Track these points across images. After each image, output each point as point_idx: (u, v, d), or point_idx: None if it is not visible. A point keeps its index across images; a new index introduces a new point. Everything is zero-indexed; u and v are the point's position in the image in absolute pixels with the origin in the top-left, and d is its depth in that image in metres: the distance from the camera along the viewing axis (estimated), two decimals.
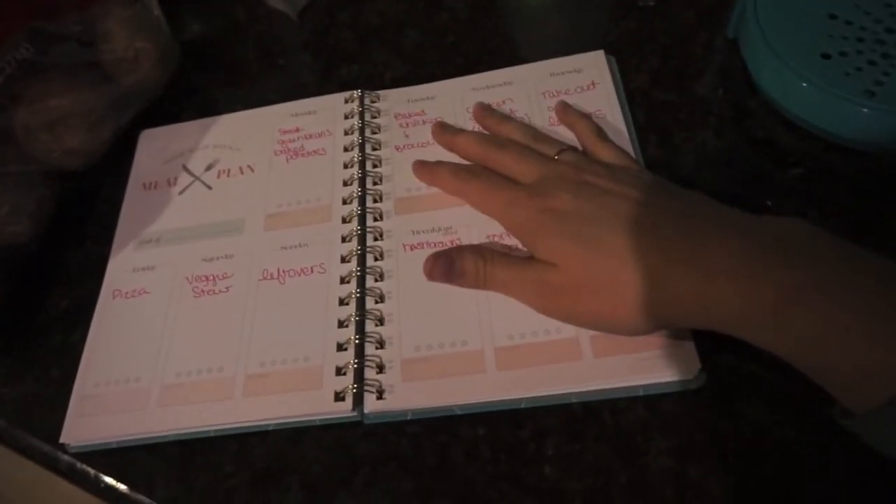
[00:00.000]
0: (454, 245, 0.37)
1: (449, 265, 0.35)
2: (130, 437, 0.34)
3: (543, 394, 0.32)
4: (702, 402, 0.31)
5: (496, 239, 0.36)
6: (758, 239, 0.28)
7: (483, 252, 0.35)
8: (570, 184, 0.34)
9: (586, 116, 0.39)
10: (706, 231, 0.29)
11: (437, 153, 0.41)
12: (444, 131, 0.41)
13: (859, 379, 0.25)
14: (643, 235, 0.30)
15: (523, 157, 0.36)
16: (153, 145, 0.46)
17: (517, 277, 0.34)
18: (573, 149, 0.37)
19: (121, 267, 0.40)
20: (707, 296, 0.28)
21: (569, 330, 0.33)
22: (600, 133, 0.38)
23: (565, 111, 0.40)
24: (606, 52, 0.43)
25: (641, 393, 0.32)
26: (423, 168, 0.40)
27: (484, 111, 0.41)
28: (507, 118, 0.41)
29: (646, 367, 0.31)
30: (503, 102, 0.42)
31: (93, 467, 0.35)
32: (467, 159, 0.39)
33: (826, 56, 0.36)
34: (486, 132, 0.41)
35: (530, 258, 0.34)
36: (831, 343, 0.25)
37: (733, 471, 0.30)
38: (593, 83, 0.41)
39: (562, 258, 0.32)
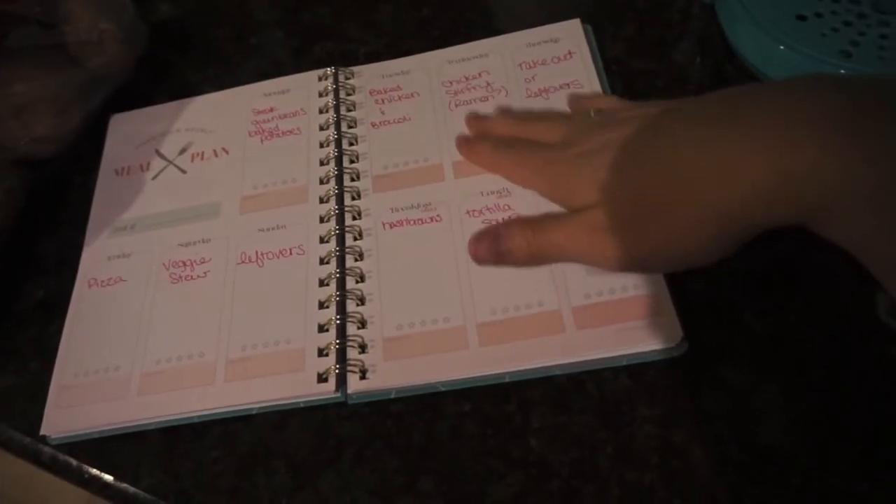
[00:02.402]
0: (434, 221, 0.36)
1: (494, 243, 0.30)
2: (112, 427, 0.34)
3: (527, 367, 0.32)
4: (685, 369, 0.31)
5: (475, 216, 0.36)
6: (856, 101, 0.22)
7: (529, 221, 0.30)
8: (600, 126, 0.30)
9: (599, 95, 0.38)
10: (780, 96, 0.24)
11: (414, 129, 0.40)
12: (477, 119, 0.38)
13: None
14: (694, 127, 0.25)
15: (554, 121, 0.34)
16: (124, 130, 0.45)
17: (571, 233, 0.29)
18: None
19: (96, 255, 0.40)
20: (791, 174, 0.22)
21: (552, 303, 0.33)
22: (621, 99, 0.35)
23: (575, 99, 0.38)
24: (582, 21, 0.42)
25: (625, 363, 0.32)
26: (465, 144, 0.37)
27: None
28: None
29: (629, 337, 0.31)
30: (480, 75, 0.41)
31: (75, 458, 0.34)
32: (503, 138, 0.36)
33: (801, 18, 0.36)
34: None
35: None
36: None
37: (717, 436, 0.30)
38: (570, 52, 0.41)
39: (602, 194, 0.28)
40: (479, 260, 0.31)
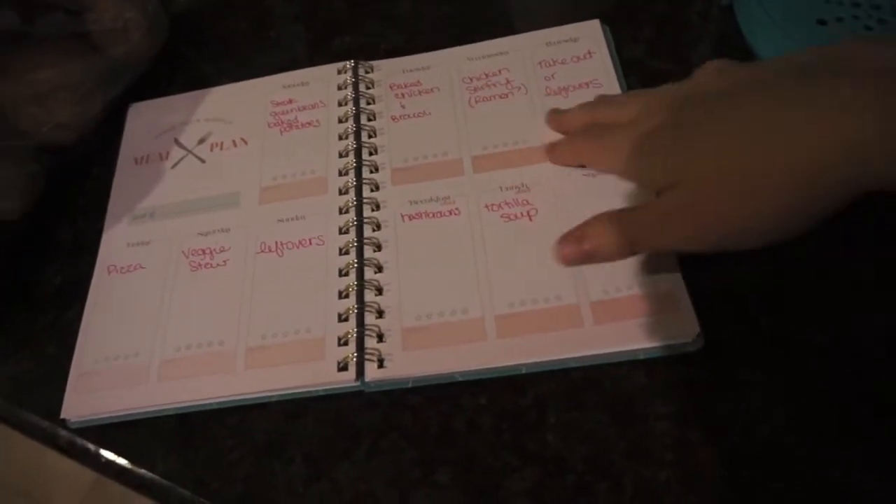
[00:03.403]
0: (453, 214, 0.36)
1: (577, 245, 0.30)
2: (130, 412, 0.34)
3: (544, 359, 0.32)
4: (700, 366, 0.31)
5: (494, 210, 0.36)
6: None
7: (613, 214, 0.30)
8: (673, 100, 0.30)
9: None
10: (870, 51, 0.24)
11: (434, 124, 0.40)
12: (554, 115, 0.38)
13: None
14: (762, 100, 0.26)
15: (625, 103, 0.34)
16: (143, 119, 0.45)
17: (661, 215, 0.28)
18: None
19: (115, 242, 0.40)
20: (889, 127, 0.22)
21: (570, 297, 0.33)
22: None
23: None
24: (601, 22, 0.42)
25: (642, 357, 0.32)
26: (549, 149, 0.38)
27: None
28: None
29: (645, 332, 0.31)
30: (499, 72, 0.41)
31: (93, 443, 0.35)
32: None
33: (822, 22, 0.36)
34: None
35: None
36: None
37: (731, 434, 0.30)
38: (589, 52, 0.41)
39: (681, 171, 0.27)
40: (567, 261, 0.30)
